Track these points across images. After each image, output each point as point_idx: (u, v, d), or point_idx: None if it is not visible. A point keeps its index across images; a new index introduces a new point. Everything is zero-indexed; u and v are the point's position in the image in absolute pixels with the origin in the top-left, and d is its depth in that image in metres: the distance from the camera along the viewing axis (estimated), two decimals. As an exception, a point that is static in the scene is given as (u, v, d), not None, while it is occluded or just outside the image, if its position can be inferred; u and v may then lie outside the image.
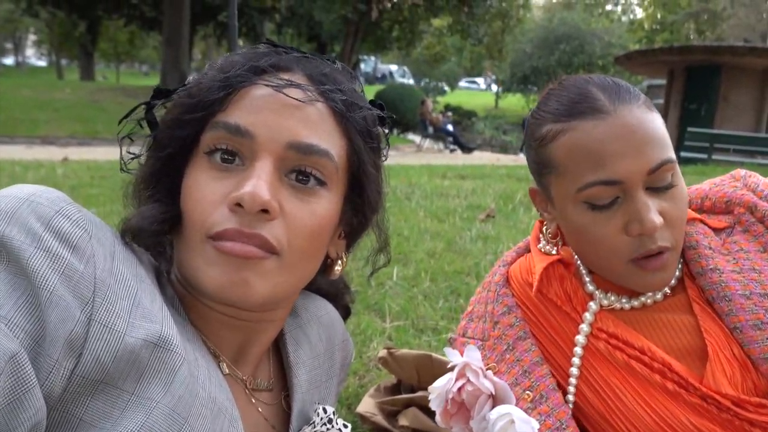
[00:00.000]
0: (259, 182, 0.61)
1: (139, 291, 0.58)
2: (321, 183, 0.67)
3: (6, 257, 0.50)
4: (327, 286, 0.90)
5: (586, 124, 0.82)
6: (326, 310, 0.89)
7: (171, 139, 0.67)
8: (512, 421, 0.89)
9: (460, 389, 0.95)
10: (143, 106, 0.70)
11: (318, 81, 0.68)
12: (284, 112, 0.64)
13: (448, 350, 1.00)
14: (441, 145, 15.69)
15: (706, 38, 31.08)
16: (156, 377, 0.56)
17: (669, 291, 0.90)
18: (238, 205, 0.61)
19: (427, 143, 15.60)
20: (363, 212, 0.74)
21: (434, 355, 1.63)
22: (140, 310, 0.56)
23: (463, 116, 23.26)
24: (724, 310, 0.85)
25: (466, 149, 15.57)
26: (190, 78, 0.71)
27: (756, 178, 0.96)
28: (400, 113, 16.75)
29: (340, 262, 0.78)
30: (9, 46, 47.09)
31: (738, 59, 13.08)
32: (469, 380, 0.95)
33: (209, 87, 0.65)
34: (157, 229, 0.66)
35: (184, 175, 0.67)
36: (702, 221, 0.93)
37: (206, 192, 0.64)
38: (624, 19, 42.29)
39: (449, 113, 18.94)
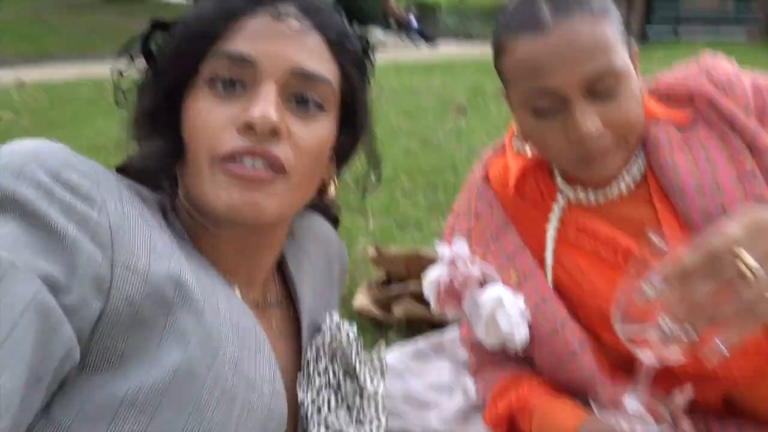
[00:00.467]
0: (267, 105, 0.64)
1: (152, 233, 0.61)
2: (320, 107, 0.70)
3: (21, 211, 0.52)
4: (314, 201, 0.95)
5: (524, 41, 0.87)
6: (319, 223, 0.94)
7: (171, 70, 0.68)
8: (501, 300, 0.98)
9: (452, 278, 1.03)
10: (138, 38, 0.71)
11: (312, 12, 0.71)
12: (285, 40, 0.67)
13: (438, 244, 1.08)
14: (407, 41, 15.32)
15: None
16: (184, 309, 0.60)
17: (633, 185, 0.97)
18: (248, 127, 0.64)
19: (392, 39, 15.20)
20: (354, 135, 0.79)
21: (421, 250, 1.70)
22: (156, 250, 0.60)
23: (427, 10, 22.55)
24: (679, 204, 0.92)
25: (430, 41, 15.22)
26: (184, 12, 0.71)
27: (720, 69, 0.98)
28: (363, 11, 16.16)
29: (333, 183, 0.83)
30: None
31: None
32: (459, 268, 1.03)
33: (209, 16, 0.67)
34: (161, 165, 0.69)
35: (184, 107, 0.69)
36: (664, 117, 0.97)
37: (211, 117, 0.66)
38: None
39: (413, 7, 18.35)
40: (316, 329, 0.83)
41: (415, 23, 15.58)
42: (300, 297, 0.83)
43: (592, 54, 0.84)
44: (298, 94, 0.69)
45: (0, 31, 12.11)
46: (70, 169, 0.56)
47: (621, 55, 0.87)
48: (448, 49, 13.80)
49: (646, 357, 0.78)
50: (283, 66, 0.67)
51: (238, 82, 0.67)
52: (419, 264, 1.69)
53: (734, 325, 0.67)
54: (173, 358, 0.58)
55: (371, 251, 1.82)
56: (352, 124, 0.77)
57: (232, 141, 0.65)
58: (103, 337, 0.55)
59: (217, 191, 0.66)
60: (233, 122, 0.65)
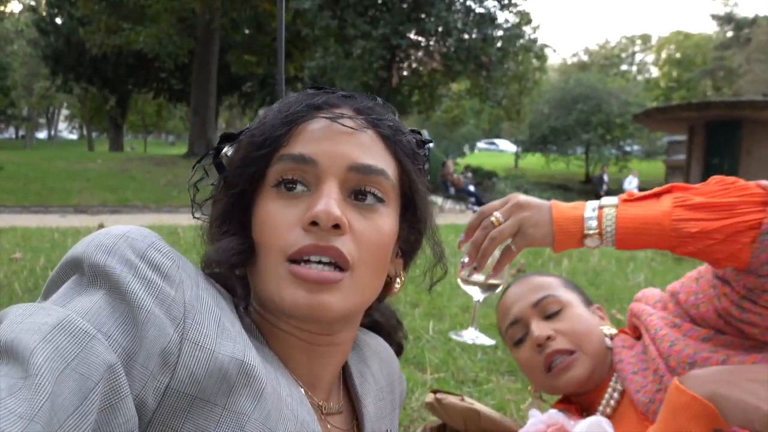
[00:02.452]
0: (329, 200, 0.67)
1: (222, 316, 0.63)
2: (380, 200, 0.73)
3: (108, 284, 0.57)
4: (382, 320, 0.95)
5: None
6: (384, 347, 0.94)
7: (241, 177, 0.73)
8: None
9: None
10: (211, 152, 0.77)
11: (365, 112, 0.75)
12: (341, 139, 0.71)
13: (532, 410, 1.24)
14: (463, 206, 15.77)
15: (723, 94, 31.29)
16: (245, 392, 0.61)
17: (614, 404, 1.21)
18: (313, 223, 0.67)
19: (449, 204, 15.69)
20: (417, 228, 0.80)
21: (482, 410, 1.63)
22: (225, 332, 0.62)
23: (483, 177, 23.44)
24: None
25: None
26: (250, 125, 0.78)
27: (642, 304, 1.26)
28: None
29: (398, 279, 0.83)
30: (42, 121, 48.94)
31: (758, 113, 13.12)
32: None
33: (272, 125, 0.73)
34: (235, 259, 0.72)
35: (254, 210, 0.73)
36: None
37: (279, 219, 0.70)
38: (639, 78, 42.87)
39: (470, 173, 19.11)
40: None
41: (472, 188, 16.16)
42: (364, 413, 0.81)
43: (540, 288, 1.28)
44: (358, 189, 0.71)
45: (89, 183, 13.19)
46: (154, 250, 0.60)
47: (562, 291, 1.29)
48: (505, 215, 14.08)
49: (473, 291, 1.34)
50: (341, 163, 0.70)
51: (302, 182, 0.71)
52: (477, 422, 1.61)
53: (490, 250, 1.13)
54: None
55: (429, 396, 1.75)
56: (414, 216, 0.79)
57: (299, 240, 0.68)
58: (166, 413, 0.56)
59: (283, 290, 0.68)
60: (299, 221, 0.69)
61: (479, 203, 15.65)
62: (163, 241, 0.63)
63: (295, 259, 0.68)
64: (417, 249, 0.84)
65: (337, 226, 0.67)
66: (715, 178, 0.96)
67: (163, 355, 0.56)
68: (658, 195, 0.99)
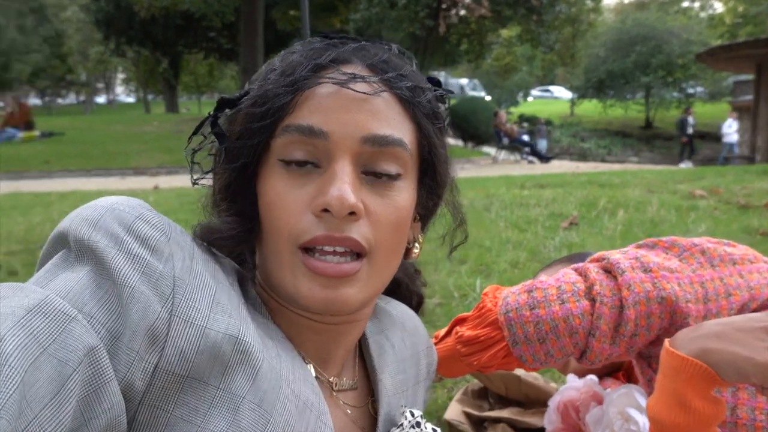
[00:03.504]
0: (343, 185, 0.61)
1: (217, 290, 0.59)
2: (397, 175, 0.66)
3: (93, 259, 0.54)
4: (399, 273, 0.90)
5: None
6: (408, 315, 0.89)
7: (242, 149, 0.67)
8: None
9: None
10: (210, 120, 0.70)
11: (380, 69, 0.67)
12: (353, 107, 0.64)
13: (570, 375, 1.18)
14: (517, 156, 15.47)
15: (795, 28, 29.31)
16: (239, 372, 0.57)
17: None
18: (325, 210, 0.62)
19: (503, 155, 15.42)
20: (437, 192, 0.74)
21: (522, 375, 1.59)
22: (219, 306, 0.58)
23: (538, 125, 22.86)
24: None
25: (544, 159, 15.28)
26: (248, 85, 0.70)
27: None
28: (473, 126, 16.62)
29: (417, 244, 0.77)
30: (100, 85, 50.19)
31: (833, 47, 12.25)
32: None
33: (275, 92, 0.65)
34: (232, 242, 0.67)
35: (259, 185, 0.67)
36: None
37: (288, 201, 0.64)
38: (702, 15, 40.54)
39: (524, 123, 18.71)
40: (394, 424, 0.77)
41: (526, 138, 15.81)
42: (379, 386, 0.77)
43: None
44: (372, 165, 0.65)
45: (147, 145, 13.52)
46: (142, 222, 0.57)
47: None
48: (561, 165, 13.78)
49: None
50: (354, 135, 0.64)
51: (312, 158, 0.65)
52: (518, 387, 1.57)
53: None
54: (220, 426, 0.55)
55: (470, 362, 1.72)
56: (434, 180, 0.73)
57: (311, 228, 0.63)
58: (155, 395, 0.54)
59: (298, 283, 0.64)
60: (310, 205, 0.63)
61: (534, 153, 15.33)
62: (153, 212, 0.59)
63: (308, 248, 0.63)
64: (435, 211, 0.78)
65: (352, 213, 0.62)
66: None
67: (150, 334, 0.52)
68: (448, 332, 1.06)
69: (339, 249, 0.63)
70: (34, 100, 43.85)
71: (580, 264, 1.02)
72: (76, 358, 0.47)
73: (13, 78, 26.65)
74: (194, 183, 0.72)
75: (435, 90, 0.72)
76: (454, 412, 1.65)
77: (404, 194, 0.67)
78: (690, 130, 18.21)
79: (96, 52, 33.95)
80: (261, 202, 0.67)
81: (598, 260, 1.00)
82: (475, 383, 1.76)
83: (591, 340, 0.94)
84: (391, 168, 0.66)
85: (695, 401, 0.71)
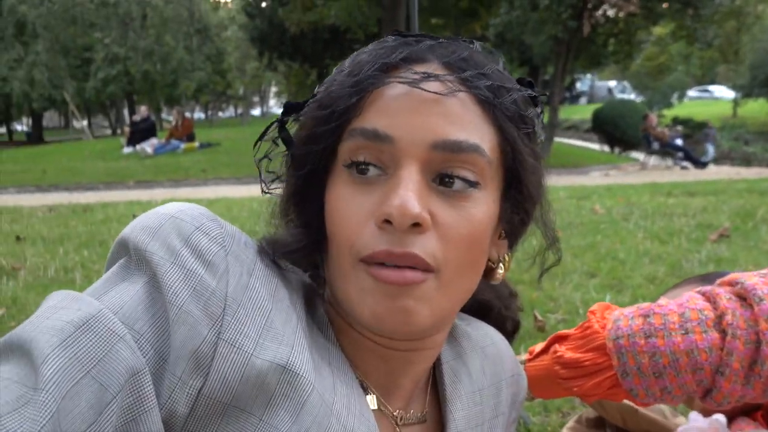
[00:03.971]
0: (406, 194, 0.55)
1: (273, 311, 0.56)
2: (472, 184, 0.59)
3: (149, 271, 0.52)
4: (490, 296, 0.83)
5: None
6: (493, 340, 0.81)
7: (308, 155, 0.63)
8: None
9: None
10: (276, 125, 0.67)
11: (457, 68, 0.60)
12: (423, 109, 0.58)
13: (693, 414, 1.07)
14: (669, 162, 14.43)
15: None
16: (284, 404, 0.54)
17: None
18: (387, 221, 0.56)
19: (653, 160, 14.44)
20: (524, 207, 0.65)
21: (640, 409, 1.45)
22: (271, 332, 0.55)
23: (694, 128, 21.18)
24: None
25: (700, 164, 14.13)
26: (319, 88, 0.66)
27: None
28: (620, 130, 15.79)
29: (502, 264, 0.69)
30: (256, 99, 53.79)
31: None
32: None
33: (340, 94, 0.60)
34: (302, 252, 0.63)
35: (326, 192, 0.63)
36: None
37: (351, 210, 0.59)
38: None
39: (678, 126, 17.41)
40: None
41: (679, 142, 14.69)
42: (449, 420, 0.70)
43: None
44: (445, 172, 0.58)
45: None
46: (201, 234, 0.54)
47: None
48: (719, 171, 12.64)
49: None
50: (423, 140, 0.57)
51: (376, 164, 0.59)
52: (636, 421, 1.43)
53: None
54: None
55: (585, 391, 1.60)
56: (520, 193, 0.64)
57: (372, 242, 0.57)
58: (197, 421, 0.51)
59: (363, 296, 0.58)
60: (372, 215, 0.58)
61: (689, 158, 14.21)
62: (215, 222, 0.56)
63: (368, 262, 0.58)
64: (524, 229, 0.68)
65: (416, 224, 0.56)
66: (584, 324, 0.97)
67: (195, 358, 0.50)
68: (545, 350, 0.99)
69: (400, 263, 0.57)
70: (198, 114, 47.96)
71: (708, 288, 0.88)
72: (118, 383, 0.46)
73: (180, 94, 29.27)
74: (264, 192, 0.69)
75: (523, 91, 0.64)
76: (566, 440, 1.55)
77: (481, 206, 0.60)
78: None
79: (252, 67, 36.45)
80: (326, 210, 0.63)
81: (730, 284, 0.87)
82: (590, 411, 1.63)
83: (719, 379, 0.82)
84: (467, 175, 0.59)
85: None
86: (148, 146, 14.37)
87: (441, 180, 0.59)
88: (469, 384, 0.75)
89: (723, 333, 0.81)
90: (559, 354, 0.92)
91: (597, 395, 0.92)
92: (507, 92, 0.61)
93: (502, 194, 0.63)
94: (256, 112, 56.79)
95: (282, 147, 0.68)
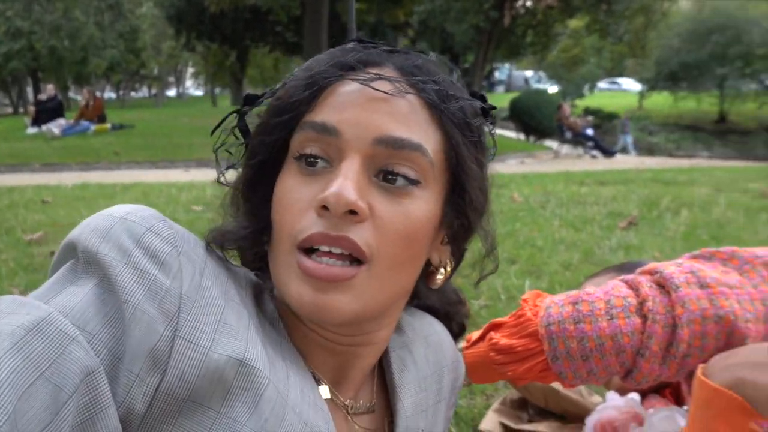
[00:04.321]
0: (345, 182, 0.57)
1: (226, 308, 0.57)
2: (413, 182, 0.61)
3: (100, 273, 0.52)
4: (438, 303, 0.86)
5: None
6: (434, 329, 0.84)
7: (261, 146, 0.65)
8: None
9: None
10: (235, 115, 0.68)
11: (409, 73, 0.63)
12: (371, 106, 0.60)
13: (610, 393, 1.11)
14: (581, 151, 15.07)
15: None
16: (241, 397, 0.55)
17: None
18: (324, 207, 0.58)
19: (566, 149, 15.04)
20: (465, 214, 0.67)
21: (562, 390, 1.53)
22: (226, 328, 0.56)
23: (604, 119, 22.17)
24: None
25: (608, 153, 14.82)
26: (278, 84, 0.68)
27: None
28: (536, 119, 16.30)
29: (443, 270, 0.72)
30: (171, 79, 51.94)
31: None
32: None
33: (295, 88, 0.63)
34: (247, 242, 0.65)
35: (276, 183, 0.65)
36: None
37: (294, 198, 0.61)
38: (788, 2, 38.26)
39: (589, 117, 18.17)
40: None
41: (590, 132, 15.36)
42: (398, 408, 0.73)
43: None
44: (387, 167, 0.61)
45: (212, 138, 13.86)
46: (153, 235, 0.55)
47: None
48: (625, 160, 13.32)
49: None
50: (367, 135, 0.60)
51: (323, 156, 0.61)
52: (558, 401, 1.50)
53: None
54: None
55: (509, 373, 1.67)
56: (461, 199, 0.66)
57: (310, 226, 0.59)
58: (154, 417, 0.51)
59: (290, 284, 0.60)
60: (312, 203, 0.60)
61: (598, 147, 14.88)
62: (166, 223, 0.57)
63: (306, 248, 0.60)
64: (467, 236, 0.71)
65: (353, 212, 0.58)
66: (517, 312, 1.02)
67: (152, 356, 0.50)
68: (481, 337, 1.01)
69: (336, 251, 0.59)
70: (109, 94, 45.80)
71: (631, 276, 0.94)
72: (73, 383, 0.46)
73: (90, 72, 27.84)
74: (219, 180, 0.70)
75: (472, 101, 0.67)
76: (490, 422, 1.61)
77: (421, 204, 0.62)
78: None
79: (168, 46, 35.16)
80: (273, 201, 0.64)
81: (650, 273, 0.93)
82: (514, 393, 1.70)
83: (639, 360, 0.88)
84: (408, 172, 0.61)
85: None
86: (55, 127, 13.61)
87: (384, 176, 0.61)
88: (415, 371, 0.78)
89: (644, 318, 0.87)
90: (494, 341, 0.96)
91: (529, 378, 0.96)
92: (455, 99, 0.64)
93: (445, 198, 0.65)
94: (172, 92, 54.90)
95: (232, 138, 0.70)
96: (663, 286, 0.89)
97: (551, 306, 0.95)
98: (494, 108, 0.72)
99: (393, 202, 0.61)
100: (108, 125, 14.67)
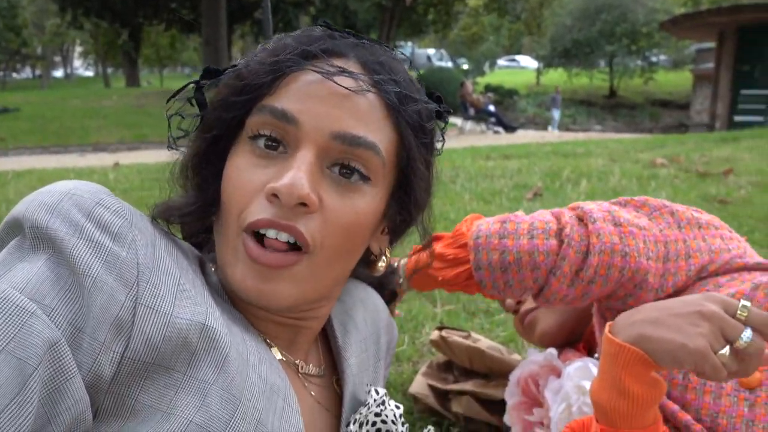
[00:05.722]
0: (298, 174, 0.59)
1: (181, 277, 0.58)
2: (365, 178, 0.64)
3: (51, 248, 0.51)
4: (369, 278, 0.90)
5: None
6: (369, 294, 0.89)
7: (217, 121, 0.65)
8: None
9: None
10: (193, 85, 0.68)
11: (372, 69, 0.65)
12: (332, 100, 0.62)
13: (530, 350, 1.22)
14: (483, 127, 15.51)
15: (756, -4, 29.72)
16: (206, 359, 0.56)
17: None
18: (275, 196, 0.60)
19: (469, 125, 15.44)
20: (408, 210, 0.71)
21: (486, 349, 1.61)
22: (185, 294, 0.57)
23: (504, 95, 22.91)
24: None
25: (510, 129, 15.34)
26: (239, 60, 0.68)
27: None
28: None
29: (384, 258, 0.76)
30: (57, 59, 48.72)
31: (793, 15, 12.48)
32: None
33: (258, 70, 0.63)
34: (188, 218, 0.66)
35: (227, 160, 0.65)
36: None
37: (245, 179, 0.62)
38: (667, -17, 40.82)
39: (490, 93, 18.69)
40: (360, 403, 0.77)
41: (492, 108, 15.83)
42: (344, 368, 0.77)
43: None
44: (342, 162, 0.63)
45: (106, 120, 13.19)
46: (103, 208, 0.55)
47: None
48: (526, 134, 13.86)
49: None
50: (325, 128, 0.61)
51: (281, 141, 0.63)
52: (482, 361, 1.59)
53: None
54: (188, 411, 0.54)
55: (434, 334, 1.73)
56: (407, 196, 0.69)
57: (259, 210, 0.61)
58: (122, 382, 0.52)
59: (235, 267, 0.62)
60: (263, 188, 0.61)
61: (500, 123, 15.37)
62: (112, 197, 0.57)
63: (252, 231, 0.61)
64: (406, 229, 0.75)
65: (303, 204, 0.59)
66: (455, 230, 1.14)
67: (115, 324, 0.51)
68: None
69: (282, 237, 0.61)
70: (-13, 75, 42.38)
71: (557, 209, 1.07)
72: (37, 356, 0.46)
73: (-35, 52, 25.70)
74: (170, 147, 0.70)
75: (429, 104, 0.69)
76: (419, 385, 1.67)
77: (368, 200, 0.65)
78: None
79: (52, 24, 32.87)
80: (223, 178, 0.65)
81: (573, 209, 1.05)
82: (440, 357, 1.77)
83: (551, 278, 1.00)
84: (360, 169, 0.63)
85: (633, 386, 0.72)
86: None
87: (340, 170, 0.63)
88: (356, 334, 0.82)
89: (561, 242, 0.99)
90: (432, 249, 1.06)
91: (456, 285, 1.07)
92: (413, 102, 0.66)
93: (390, 193, 0.69)
94: (59, 73, 51.53)
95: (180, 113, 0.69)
96: (582, 219, 1.01)
97: (483, 223, 1.07)
98: (450, 112, 0.75)
99: (343, 196, 0.63)
100: (-11, 109, 13.62)
